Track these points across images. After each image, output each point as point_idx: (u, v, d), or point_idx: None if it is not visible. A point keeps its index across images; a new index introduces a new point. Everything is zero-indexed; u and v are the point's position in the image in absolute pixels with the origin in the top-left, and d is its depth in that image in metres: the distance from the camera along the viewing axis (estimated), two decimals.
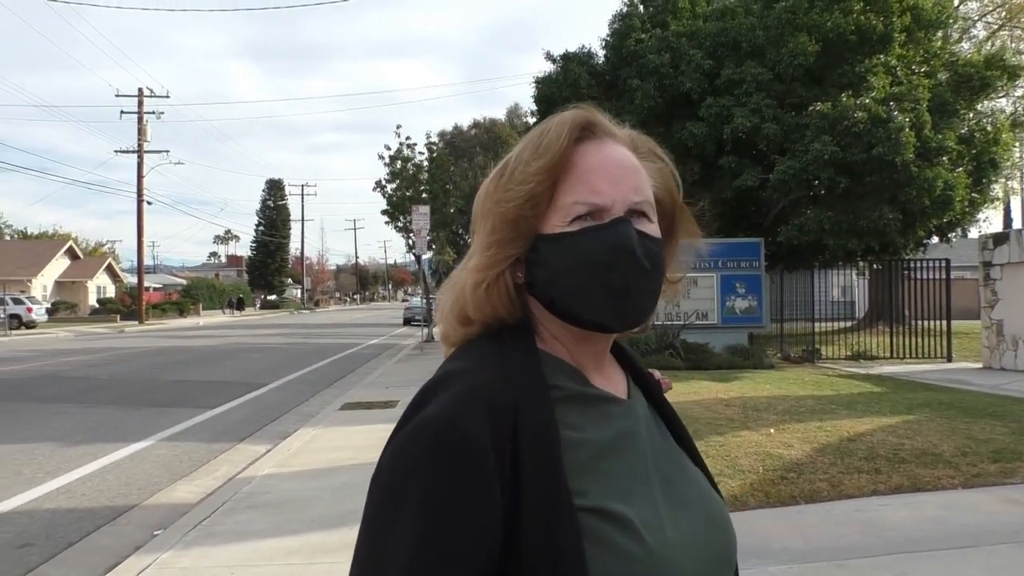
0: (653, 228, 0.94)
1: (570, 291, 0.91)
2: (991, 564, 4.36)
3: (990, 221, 33.27)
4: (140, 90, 44.74)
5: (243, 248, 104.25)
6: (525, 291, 0.96)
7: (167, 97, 46.38)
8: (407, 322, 39.80)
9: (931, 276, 17.03)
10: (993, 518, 5.07)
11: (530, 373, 0.90)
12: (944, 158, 15.79)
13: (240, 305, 68.24)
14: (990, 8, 30.79)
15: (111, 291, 59.18)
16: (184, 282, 74.34)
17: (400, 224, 27.87)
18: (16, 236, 71.62)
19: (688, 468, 1.00)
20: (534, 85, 20.47)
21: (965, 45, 27.57)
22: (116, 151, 45.71)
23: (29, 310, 39.75)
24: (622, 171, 0.93)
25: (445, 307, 1.01)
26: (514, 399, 0.86)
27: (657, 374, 1.10)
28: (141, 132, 44.61)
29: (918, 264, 17.59)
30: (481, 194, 0.99)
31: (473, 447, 0.82)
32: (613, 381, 1.01)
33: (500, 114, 69.64)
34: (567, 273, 0.90)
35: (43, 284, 52.20)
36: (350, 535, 4.97)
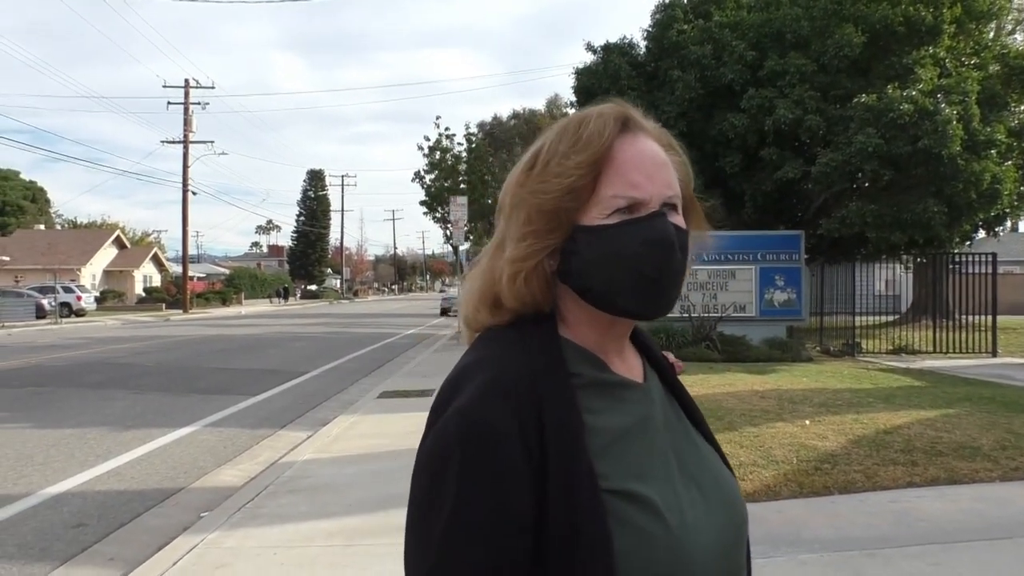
0: (681, 220, 0.97)
1: (608, 281, 0.94)
2: (1022, 556, 4.35)
3: None
4: (186, 81, 45.53)
5: (284, 238, 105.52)
6: (556, 279, 0.99)
7: (212, 88, 47.54)
8: (444, 312, 39.93)
9: (977, 270, 16.74)
10: None
11: (552, 361, 0.94)
12: (993, 151, 15.50)
13: (286, 295, 69.37)
14: None
15: (157, 280, 60.34)
16: (227, 271, 75.48)
17: (438, 215, 28.12)
18: (66, 225, 73.34)
19: (702, 448, 1.04)
20: (574, 76, 20.43)
21: (1018, 37, 26.88)
22: (163, 141, 46.42)
23: (79, 298, 40.66)
24: (656, 166, 0.96)
25: (473, 295, 1.03)
26: (537, 387, 0.90)
27: (670, 356, 1.15)
28: (187, 123, 45.35)
29: (964, 258, 17.31)
30: (511, 184, 1.00)
31: (500, 435, 0.86)
32: (631, 366, 1.04)
33: (540, 105, 69.35)
34: (606, 264, 0.93)
35: (92, 273, 53.38)
36: (387, 519, 5.11)
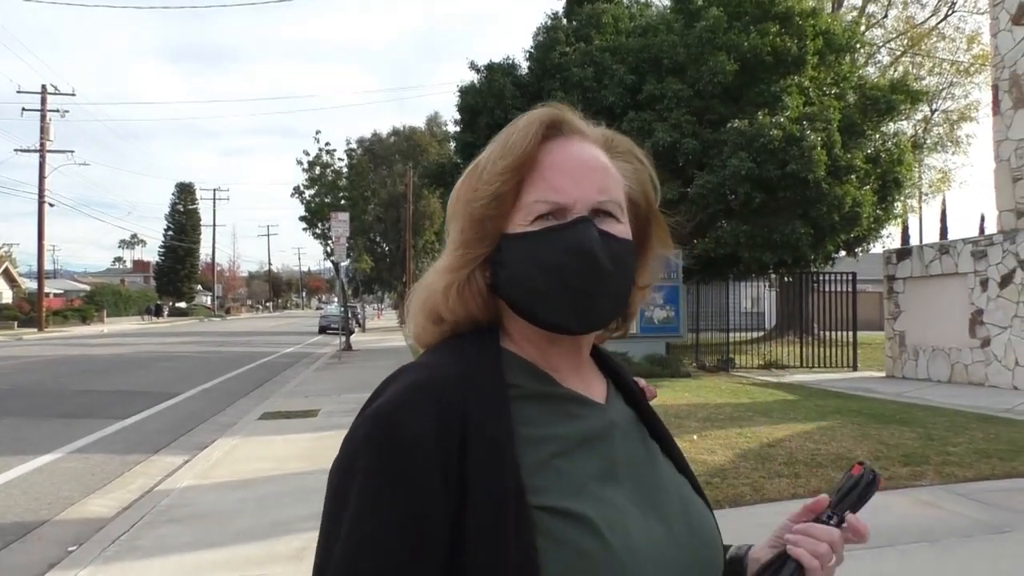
0: (621, 229, 0.92)
1: (530, 291, 0.90)
2: (906, 563, 4.56)
3: (893, 237, 34.89)
4: (43, 87, 43.01)
5: (150, 253, 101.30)
6: (493, 291, 0.95)
7: (73, 95, 44.67)
8: (323, 330, 39.17)
9: (838, 288, 17.75)
10: (906, 519, 5.30)
11: (486, 369, 0.90)
12: (853, 176, 16.49)
13: (159, 311, 66.56)
14: (894, 35, 32.36)
15: (8, 297, 56.37)
16: (87, 288, 71.45)
17: (318, 231, 27.54)
18: None
19: (667, 476, 0.99)
20: (458, 94, 20.47)
21: (871, 69, 28.92)
22: (16, 150, 43.82)
23: None
24: (586, 170, 0.92)
25: (416, 307, 1.00)
26: (464, 393, 0.86)
27: (642, 382, 1.10)
28: (44, 130, 42.82)
29: (826, 277, 18.32)
30: (452, 195, 0.97)
31: (414, 440, 0.82)
32: (589, 384, 0.99)
33: (420, 122, 69.35)
34: (527, 273, 0.89)
35: None
36: (277, 546, 4.88)
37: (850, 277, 17.60)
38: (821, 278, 18.54)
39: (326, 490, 0.86)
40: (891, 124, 19.46)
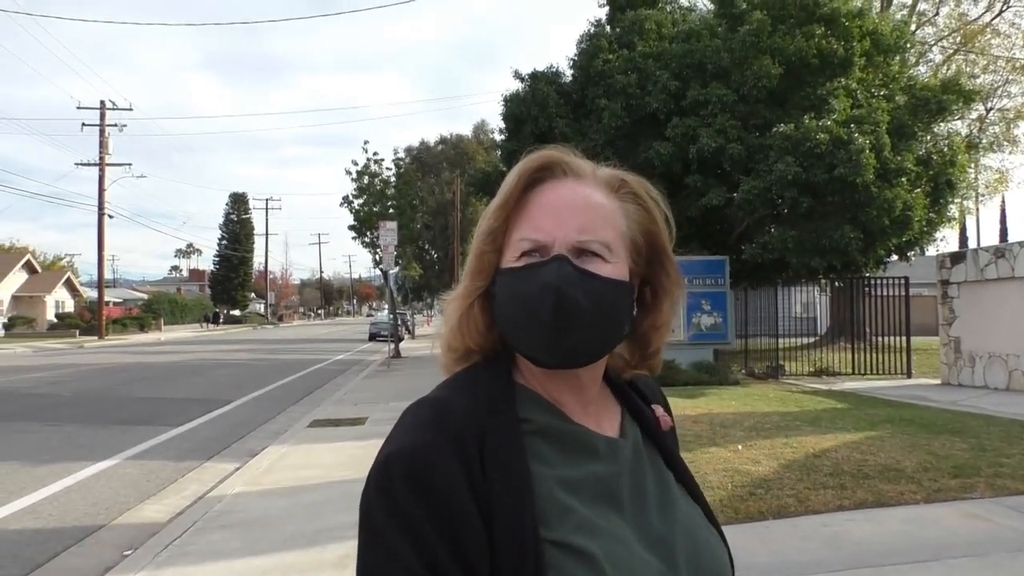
0: (607, 268, 0.94)
1: (511, 323, 0.95)
2: None
3: (947, 240, 34.03)
4: (102, 102, 44.28)
5: (206, 262, 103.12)
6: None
7: (130, 110, 46.04)
8: (373, 337, 39.53)
9: (891, 293, 17.42)
10: (954, 532, 5.22)
11: (500, 404, 0.94)
12: (903, 179, 16.16)
13: (216, 319, 68.14)
14: (946, 33, 31.65)
15: (70, 306, 58.09)
16: (145, 296, 73.27)
17: (367, 239, 27.85)
18: None
19: (678, 509, 1.00)
20: (502, 103, 20.56)
21: (922, 68, 28.32)
22: (77, 164, 45.08)
23: None
24: (570, 210, 0.95)
25: (441, 337, 1.05)
26: (481, 430, 0.90)
27: (659, 410, 1.13)
28: (103, 145, 44.08)
29: (878, 281, 18.00)
30: (476, 233, 1.03)
31: (445, 477, 0.86)
32: (599, 417, 1.02)
33: (467, 130, 69.79)
34: (509, 306, 0.94)
35: (0, 298, 51.12)
36: (323, 554, 4.99)
37: (903, 281, 17.27)
38: (873, 283, 18.21)
39: (359, 531, 0.89)
40: (943, 125, 19.02)
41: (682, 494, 1.04)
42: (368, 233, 27.39)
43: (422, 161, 60.80)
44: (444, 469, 0.86)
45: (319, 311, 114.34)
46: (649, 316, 1.04)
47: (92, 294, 54.06)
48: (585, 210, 0.95)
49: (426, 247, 53.57)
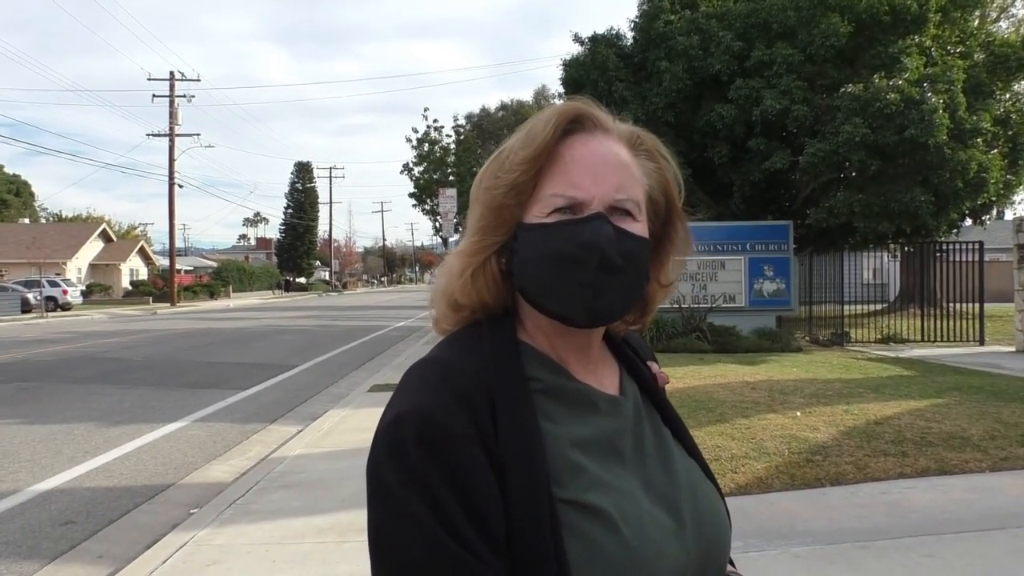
0: (637, 227, 0.94)
1: (540, 282, 0.92)
2: (1016, 546, 4.36)
3: None
4: (171, 74, 45.19)
5: (272, 231, 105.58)
6: (509, 279, 0.97)
7: (198, 80, 46.82)
8: None
9: (964, 258, 16.82)
10: (1020, 501, 5.06)
11: (507, 364, 0.92)
12: (979, 140, 15.55)
13: (287, 286, 69.94)
14: None
15: (143, 273, 60.02)
16: (214, 264, 75.15)
17: (427, 207, 28.08)
18: (52, 219, 72.82)
19: (678, 464, 1.00)
20: (562, 67, 20.40)
21: (1003, 24, 27.05)
22: (148, 134, 46.17)
23: (65, 292, 40.43)
24: (606, 167, 0.93)
25: (438, 292, 1.02)
26: (491, 390, 0.88)
27: (655, 367, 1.12)
28: (172, 115, 45.07)
29: (951, 246, 17.39)
30: (475, 181, 1.00)
31: (457, 437, 0.84)
32: (600, 376, 1.02)
33: (528, 96, 69.29)
34: (539, 264, 0.91)
35: (78, 267, 53.07)
36: None
37: (977, 246, 16.65)
38: (945, 247, 17.62)
39: (376, 485, 0.87)
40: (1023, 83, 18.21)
41: (679, 450, 1.03)
42: (428, 200, 27.59)
43: (483, 128, 60.63)
44: (457, 429, 0.85)
45: (382, 278, 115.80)
46: (655, 275, 1.03)
47: (164, 262, 55.78)
48: (618, 168, 0.94)
49: None
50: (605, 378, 1.02)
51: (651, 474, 0.96)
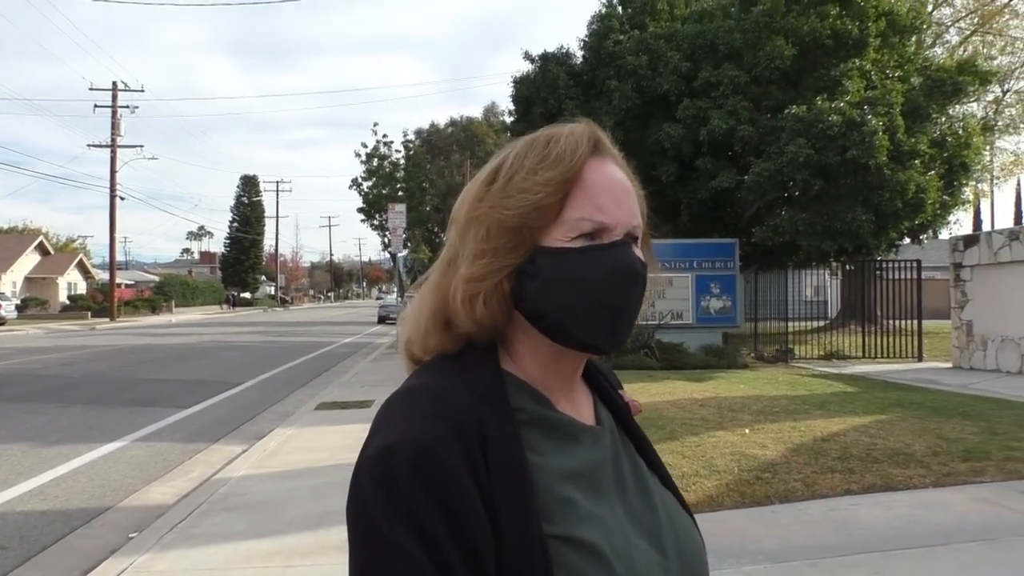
0: (641, 254, 0.94)
1: (565, 308, 0.89)
2: (961, 562, 4.44)
3: (961, 223, 33.88)
4: (114, 84, 44.25)
5: (216, 244, 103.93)
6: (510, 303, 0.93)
7: (142, 91, 45.82)
8: (382, 320, 39.62)
9: (902, 276, 17.28)
10: (963, 517, 5.17)
11: (495, 394, 0.89)
12: (916, 161, 16.01)
13: (234, 301, 68.94)
14: (963, 14, 31.25)
15: (82, 287, 58.40)
16: (156, 279, 73.56)
17: (376, 222, 27.88)
18: None
19: (655, 495, 0.99)
20: (512, 85, 20.47)
21: (938, 50, 27.99)
22: (89, 145, 44.96)
23: None
24: (624, 193, 0.93)
25: (423, 315, 0.96)
26: (480, 421, 0.85)
27: (627, 396, 1.09)
28: (115, 126, 44.10)
29: (890, 265, 17.85)
30: (468, 198, 0.95)
31: (452, 470, 0.81)
32: (579, 405, 0.99)
33: (477, 112, 69.67)
34: (565, 290, 0.88)
35: (13, 280, 51.43)
36: (327, 536, 4.98)
37: (915, 265, 17.12)
38: (885, 266, 18.07)
39: (362, 523, 0.81)
40: (959, 107, 18.84)
41: (654, 480, 1.01)
42: (377, 216, 27.41)
43: (432, 143, 60.66)
44: (450, 461, 0.81)
45: (329, 294, 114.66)
46: None
47: (104, 276, 54.35)
48: (630, 193, 0.95)
49: (435, 230, 53.48)
50: (583, 407, 1.00)
51: (633, 506, 0.94)
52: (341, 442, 8.17)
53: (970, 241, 15.11)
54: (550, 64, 19.67)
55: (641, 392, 10.35)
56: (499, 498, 0.82)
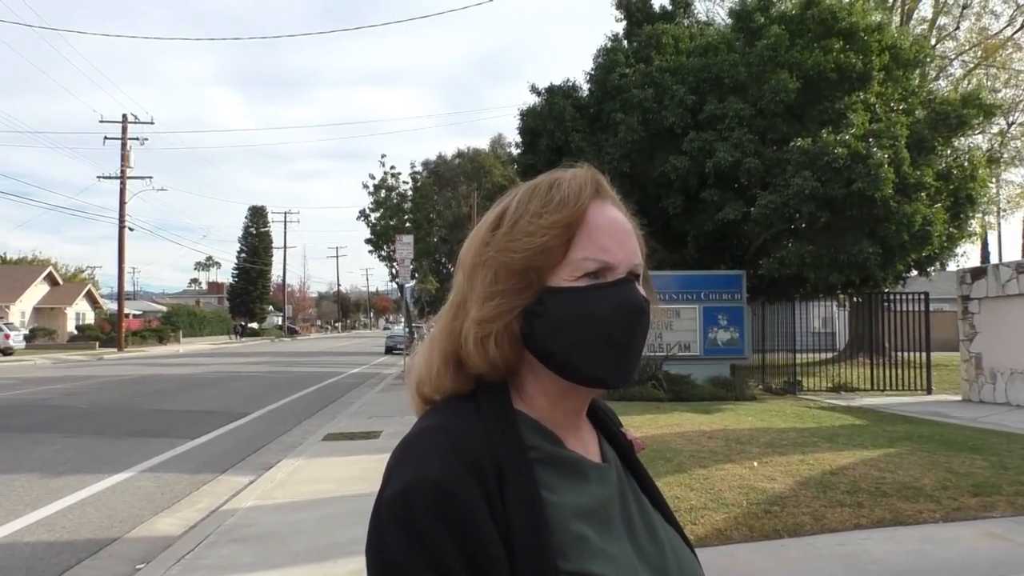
0: (643, 289, 0.98)
1: (575, 345, 0.91)
2: None
3: (968, 255, 33.80)
4: (124, 116, 44.76)
5: (224, 275, 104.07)
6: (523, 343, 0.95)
7: (151, 123, 46.45)
8: (389, 351, 39.62)
9: (911, 308, 17.26)
10: (973, 552, 5.13)
11: (508, 433, 0.91)
12: (923, 193, 16.04)
13: (243, 331, 69.21)
14: (967, 47, 31.48)
15: (90, 318, 58.61)
16: (164, 309, 73.82)
17: (383, 253, 27.96)
18: None
19: (660, 530, 1.01)
20: (519, 117, 20.63)
21: (942, 83, 28.16)
22: (99, 177, 45.47)
23: (7, 337, 39.26)
24: (625, 234, 0.97)
25: (434, 357, 0.98)
26: (497, 460, 0.87)
27: (630, 434, 1.12)
28: (124, 158, 44.51)
29: (897, 297, 17.83)
30: (474, 242, 0.98)
31: (474, 511, 0.83)
32: (586, 443, 1.02)
33: (484, 144, 70.18)
34: (574, 328, 0.91)
35: (21, 310, 51.63)
36: (334, 569, 4.97)
37: (922, 297, 17.10)
38: (892, 298, 18.05)
39: (383, 563, 0.83)
40: (963, 139, 18.86)
41: (658, 517, 1.04)
42: (385, 247, 27.50)
43: (439, 175, 61.09)
44: (469, 500, 0.83)
45: (336, 324, 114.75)
46: None
47: (112, 306, 54.54)
48: (630, 234, 0.99)
49: (443, 261, 53.68)
50: (590, 445, 1.02)
51: (640, 542, 0.96)
52: (348, 473, 8.16)
53: (977, 274, 15.11)
54: (556, 97, 19.84)
55: (649, 424, 10.31)
56: (516, 535, 0.83)
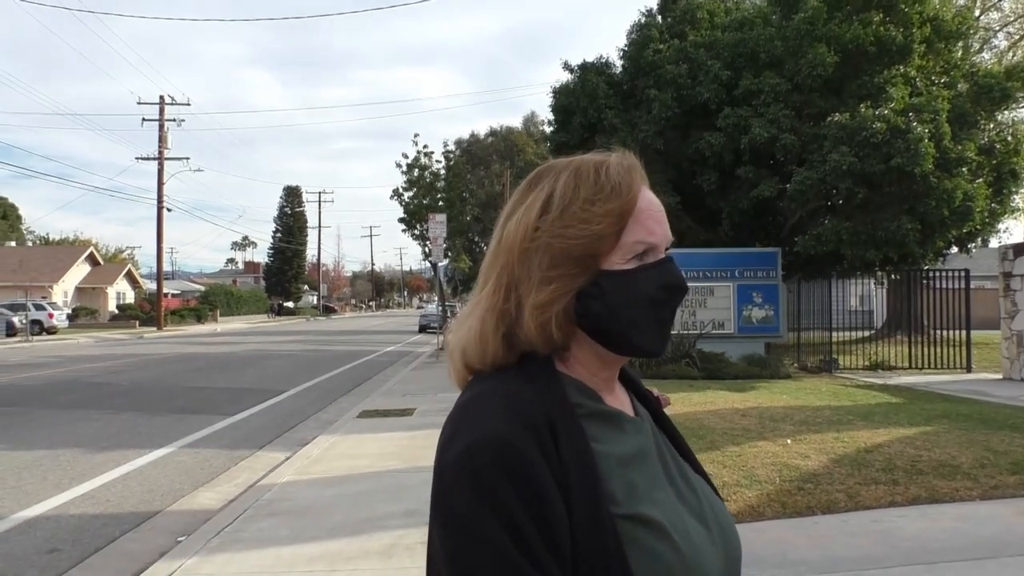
0: None
1: (630, 322, 0.98)
2: (1008, 575, 4.37)
3: (1011, 232, 33.11)
4: (161, 98, 45.19)
5: (260, 255, 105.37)
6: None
7: (188, 105, 46.90)
8: (423, 329, 39.87)
9: (950, 286, 16.95)
10: (1011, 529, 5.07)
11: (556, 393, 0.96)
12: (964, 169, 15.73)
13: (280, 310, 70.11)
14: (1012, 19, 30.65)
15: (130, 297, 59.67)
16: (202, 288, 74.84)
17: (417, 232, 27.98)
18: (38, 242, 72.42)
19: (694, 479, 1.07)
20: (552, 95, 20.54)
21: (986, 55, 27.49)
22: (137, 158, 45.98)
23: (51, 316, 40.07)
24: (662, 214, 1.03)
25: (486, 334, 1.00)
26: (548, 416, 0.92)
27: (655, 391, 1.19)
28: (162, 139, 45.02)
29: (937, 274, 17.52)
30: (524, 227, 1.00)
31: (536, 465, 0.88)
32: (622, 401, 1.08)
33: (516, 122, 69.84)
34: (630, 307, 0.98)
35: (64, 290, 52.72)
36: (368, 543, 5.05)
37: (963, 274, 16.80)
38: (932, 275, 17.75)
39: (451, 516, 0.88)
40: (1007, 113, 18.46)
41: (688, 468, 1.10)
42: (418, 226, 27.52)
43: (472, 153, 60.99)
44: (529, 455, 0.88)
45: (370, 303, 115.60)
46: None
47: (152, 286, 55.48)
48: (665, 214, 1.05)
49: (476, 239, 53.69)
50: (625, 404, 1.09)
51: (679, 487, 1.03)
52: (382, 449, 8.26)
53: (1020, 250, 14.79)
54: (589, 74, 19.70)
55: (682, 401, 10.29)
56: (571, 485, 0.89)
